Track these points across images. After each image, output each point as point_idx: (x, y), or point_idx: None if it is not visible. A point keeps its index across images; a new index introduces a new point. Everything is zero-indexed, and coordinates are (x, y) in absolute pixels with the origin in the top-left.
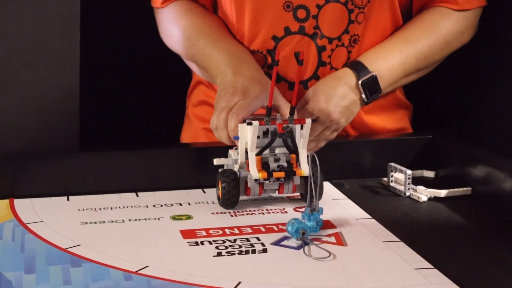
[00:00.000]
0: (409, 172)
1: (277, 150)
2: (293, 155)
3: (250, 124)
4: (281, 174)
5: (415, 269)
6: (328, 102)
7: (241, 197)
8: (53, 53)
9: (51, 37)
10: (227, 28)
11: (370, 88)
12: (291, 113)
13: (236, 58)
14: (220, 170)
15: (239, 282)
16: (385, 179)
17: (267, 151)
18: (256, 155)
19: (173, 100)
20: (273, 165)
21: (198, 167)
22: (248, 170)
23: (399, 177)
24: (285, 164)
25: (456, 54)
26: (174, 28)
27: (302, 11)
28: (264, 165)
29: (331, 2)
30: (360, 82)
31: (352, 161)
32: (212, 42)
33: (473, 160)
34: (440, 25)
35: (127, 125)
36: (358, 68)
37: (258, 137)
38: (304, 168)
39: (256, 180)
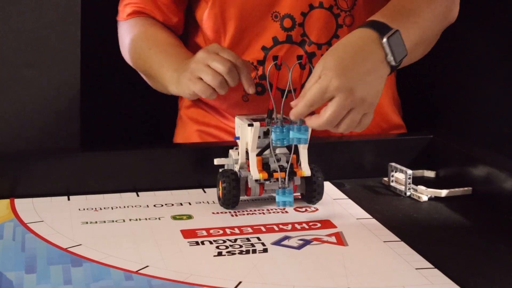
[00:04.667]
0: (409, 172)
1: (278, 150)
2: (294, 156)
3: (251, 125)
4: (282, 175)
5: (416, 269)
6: (345, 76)
7: (242, 197)
8: (54, 53)
9: (52, 37)
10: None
11: (397, 46)
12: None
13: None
14: (220, 170)
15: (240, 282)
16: (386, 179)
17: (267, 151)
18: (257, 155)
19: (171, 102)
20: (273, 165)
21: (198, 167)
22: (249, 170)
23: (400, 177)
24: (285, 164)
25: (453, 52)
26: (127, 38)
27: (288, 20)
28: (264, 166)
29: (316, 9)
30: (384, 39)
31: (352, 161)
32: (161, 50)
33: (474, 160)
34: None
35: (128, 125)
36: (376, 25)
37: (259, 137)
38: (305, 169)
39: (256, 180)
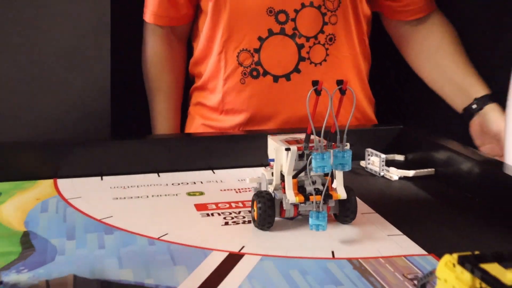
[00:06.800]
0: (383, 156)
1: (312, 172)
2: (329, 178)
3: (288, 149)
4: (318, 198)
5: (388, 235)
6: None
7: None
8: (88, 59)
9: (86, 45)
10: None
11: None
12: (330, 139)
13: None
14: (253, 190)
15: (243, 246)
16: (363, 162)
17: (303, 173)
18: (293, 177)
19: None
20: (309, 188)
21: (208, 152)
22: (284, 193)
23: (375, 160)
24: (321, 187)
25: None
26: (145, 57)
27: (282, 15)
28: (300, 188)
29: (307, 7)
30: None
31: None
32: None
33: (437, 146)
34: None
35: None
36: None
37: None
38: (341, 192)
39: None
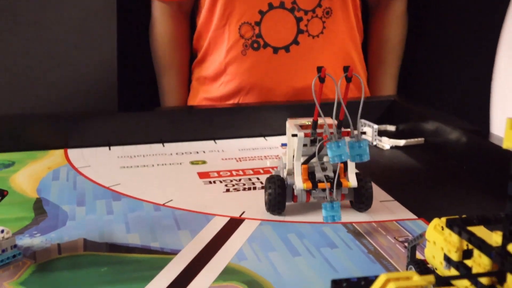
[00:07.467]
0: (375, 126)
1: (325, 159)
2: (342, 165)
3: (295, 135)
4: (327, 185)
5: (380, 201)
6: None
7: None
8: (96, 37)
9: (94, 24)
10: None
11: None
12: (339, 126)
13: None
14: (274, 172)
15: (243, 212)
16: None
17: (314, 159)
18: (303, 163)
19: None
20: (319, 174)
21: (211, 123)
22: None
23: (368, 130)
24: (331, 174)
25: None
26: (154, 33)
27: None
28: (310, 175)
29: None
30: None
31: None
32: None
33: (426, 117)
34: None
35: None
36: None
37: (305, 145)
38: (352, 180)
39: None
